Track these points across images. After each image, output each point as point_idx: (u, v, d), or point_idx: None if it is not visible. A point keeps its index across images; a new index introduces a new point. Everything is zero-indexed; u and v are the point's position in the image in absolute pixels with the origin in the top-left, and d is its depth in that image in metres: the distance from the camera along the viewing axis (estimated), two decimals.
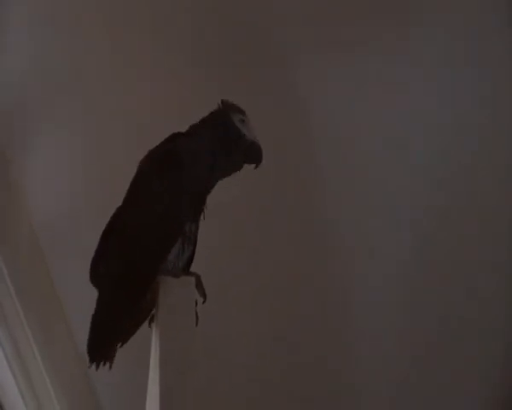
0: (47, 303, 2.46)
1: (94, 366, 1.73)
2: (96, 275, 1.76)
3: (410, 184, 2.56)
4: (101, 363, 1.74)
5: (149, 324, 1.78)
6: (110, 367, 1.76)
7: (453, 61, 2.46)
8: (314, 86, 2.50)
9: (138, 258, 1.68)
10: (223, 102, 1.82)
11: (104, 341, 1.71)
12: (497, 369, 2.59)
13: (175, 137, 1.77)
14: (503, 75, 2.47)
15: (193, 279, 1.68)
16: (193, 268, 1.80)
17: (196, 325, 1.67)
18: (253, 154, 1.79)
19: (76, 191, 2.51)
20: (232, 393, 2.59)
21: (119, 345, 1.78)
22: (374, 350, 2.62)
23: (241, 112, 1.81)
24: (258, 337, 2.59)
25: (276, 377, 2.60)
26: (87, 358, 1.73)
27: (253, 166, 1.81)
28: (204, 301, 1.71)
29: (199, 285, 1.70)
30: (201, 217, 1.78)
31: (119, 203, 1.78)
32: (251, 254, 2.54)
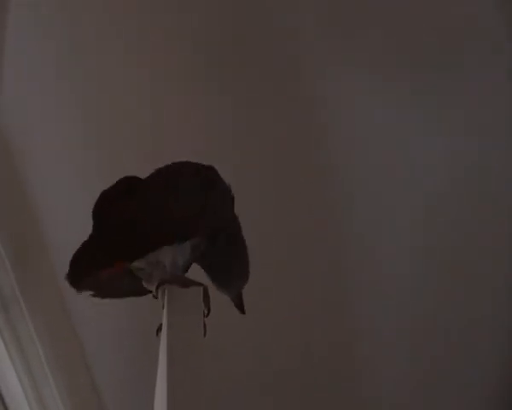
0: (55, 312, 2.49)
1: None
2: (100, 213, 1.68)
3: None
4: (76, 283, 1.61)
5: (157, 333, 1.75)
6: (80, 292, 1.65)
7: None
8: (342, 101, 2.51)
9: (151, 223, 1.63)
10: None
11: (82, 263, 1.61)
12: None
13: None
14: None
15: (201, 290, 1.66)
16: None
17: (204, 335, 1.64)
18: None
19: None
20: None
21: (94, 294, 1.68)
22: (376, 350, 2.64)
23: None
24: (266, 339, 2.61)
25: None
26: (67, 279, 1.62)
27: None
28: (207, 315, 1.69)
29: (205, 297, 1.67)
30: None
31: None
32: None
